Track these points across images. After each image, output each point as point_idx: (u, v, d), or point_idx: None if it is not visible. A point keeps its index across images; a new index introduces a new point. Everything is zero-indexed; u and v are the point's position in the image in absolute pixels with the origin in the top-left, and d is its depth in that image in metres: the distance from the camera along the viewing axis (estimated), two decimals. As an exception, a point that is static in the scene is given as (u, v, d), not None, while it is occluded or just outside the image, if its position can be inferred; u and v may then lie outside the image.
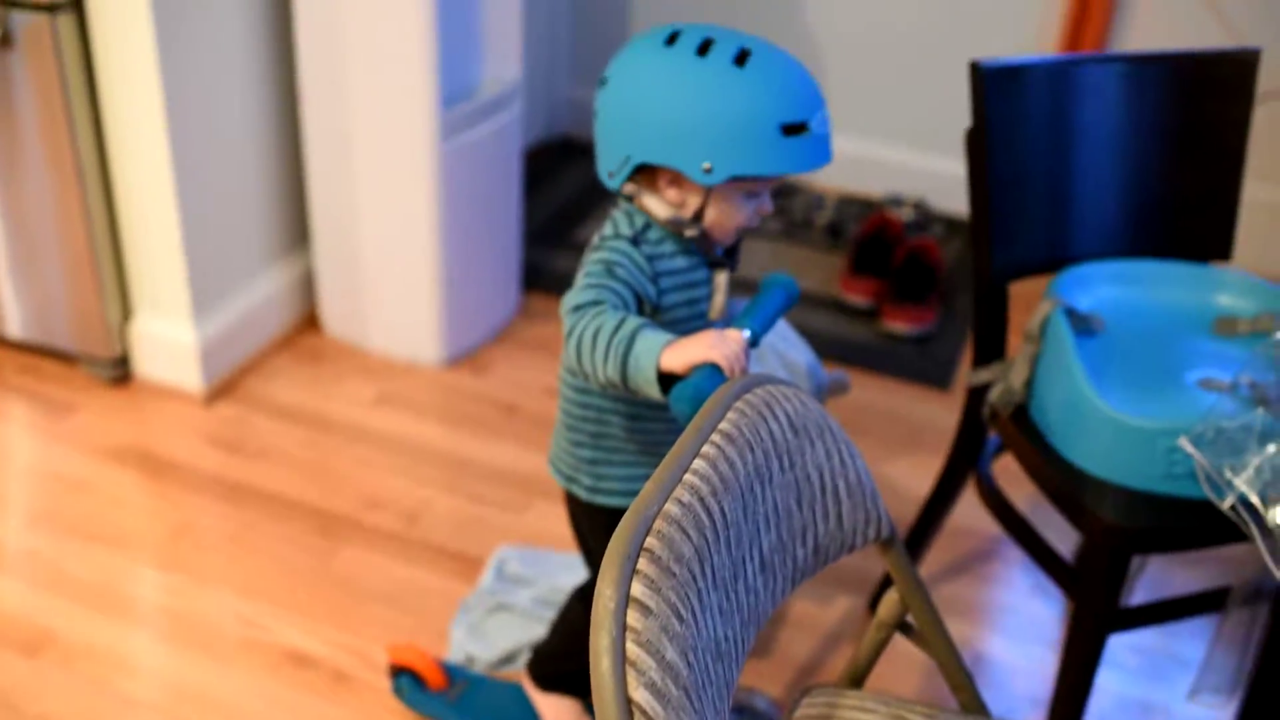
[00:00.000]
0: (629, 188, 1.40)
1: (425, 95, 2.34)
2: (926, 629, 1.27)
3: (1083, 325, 1.65)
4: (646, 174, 1.38)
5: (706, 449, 1.01)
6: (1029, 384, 1.67)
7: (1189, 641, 2.01)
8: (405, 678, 1.83)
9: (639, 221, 1.40)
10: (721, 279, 1.44)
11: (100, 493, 2.24)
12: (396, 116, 2.38)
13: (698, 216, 1.38)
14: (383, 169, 2.46)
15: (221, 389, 2.51)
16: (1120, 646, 1.99)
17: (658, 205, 1.39)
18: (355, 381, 2.57)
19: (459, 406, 2.52)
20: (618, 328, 1.26)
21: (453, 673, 1.85)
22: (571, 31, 3.59)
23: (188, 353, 2.44)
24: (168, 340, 2.45)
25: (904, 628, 1.30)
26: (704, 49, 1.30)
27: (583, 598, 1.71)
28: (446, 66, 2.38)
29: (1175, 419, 1.47)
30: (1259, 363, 1.58)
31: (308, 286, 2.72)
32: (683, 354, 1.22)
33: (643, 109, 1.33)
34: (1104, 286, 1.74)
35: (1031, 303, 1.71)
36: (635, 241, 1.39)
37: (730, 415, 1.06)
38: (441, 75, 2.35)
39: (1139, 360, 1.63)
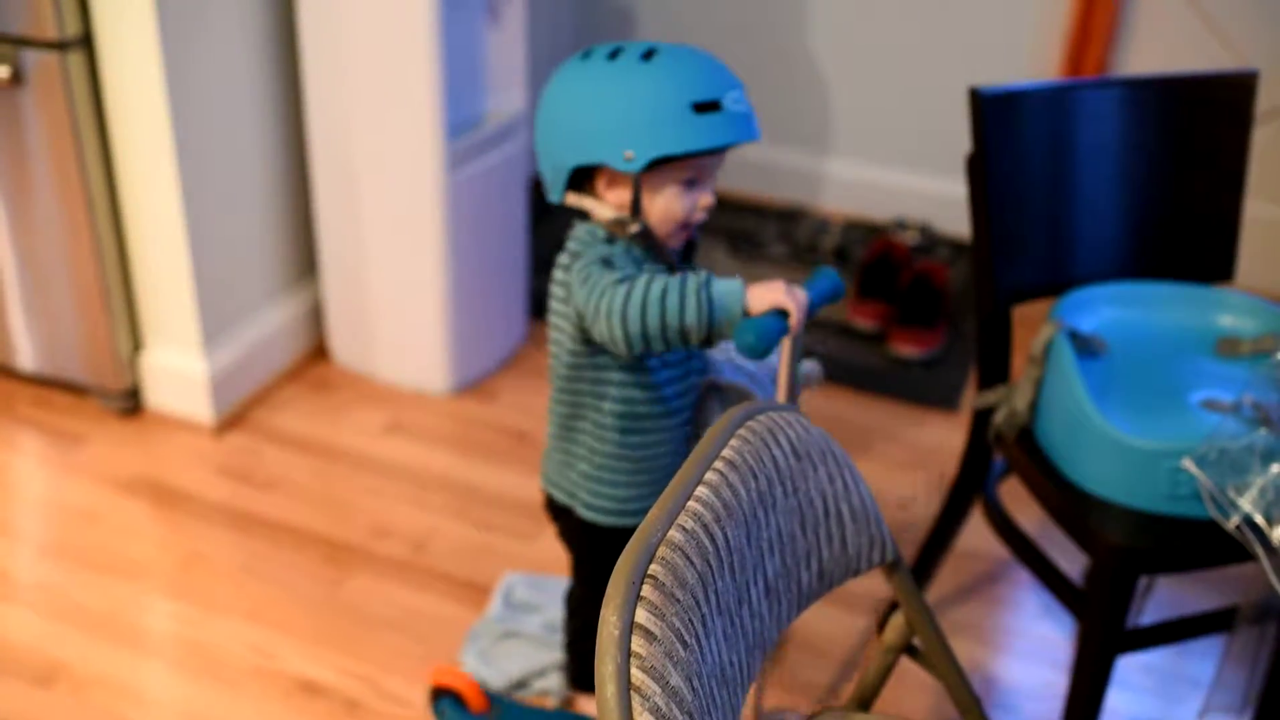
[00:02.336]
0: (571, 198, 1.47)
1: (431, 126, 2.36)
2: (932, 651, 1.28)
3: (1086, 347, 1.65)
4: (585, 183, 1.46)
5: (709, 476, 1.01)
6: (1033, 406, 1.68)
7: (1200, 661, 2.01)
8: (447, 700, 1.83)
9: (600, 234, 1.46)
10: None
11: (111, 523, 2.25)
12: (403, 148, 2.41)
13: (636, 213, 1.43)
14: (390, 200, 2.48)
15: (231, 419, 2.52)
16: (1131, 667, 1.99)
17: (600, 208, 1.45)
18: (364, 411, 2.58)
19: (467, 435, 2.53)
20: (683, 283, 1.34)
21: (493, 697, 1.85)
22: (576, 60, 3.61)
23: (198, 384, 2.46)
24: (178, 372, 2.47)
25: (910, 650, 1.30)
26: (614, 55, 1.40)
27: (568, 601, 1.78)
28: (452, 97, 2.40)
29: (1179, 440, 1.48)
30: (1261, 383, 1.58)
31: (316, 317, 2.74)
32: (761, 297, 1.33)
33: (564, 116, 1.41)
34: (1106, 308, 1.75)
35: (1035, 325, 1.72)
36: (591, 241, 1.46)
37: (733, 442, 1.07)
38: (447, 106, 2.38)
39: (1142, 381, 1.64)
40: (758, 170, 3.46)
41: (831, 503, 1.17)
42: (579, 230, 1.49)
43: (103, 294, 2.38)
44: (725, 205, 3.49)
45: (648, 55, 1.39)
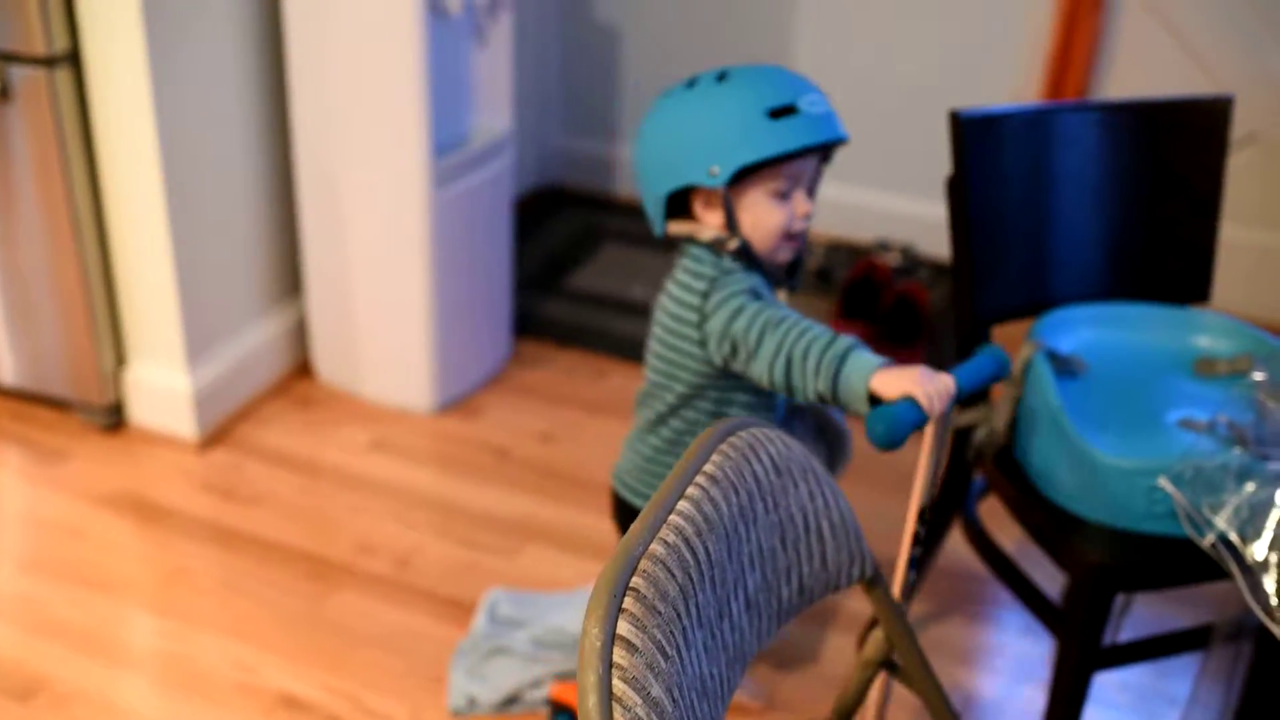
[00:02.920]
0: (674, 227, 1.50)
1: (417, 144, 2.37)
2: (911, 667, 1.29)
3: (1064, 367, 1.67)
4: (685, 210, 1.49)
5: (691, 490, 1.03)
6: (1012, 426, 1.69)
7: (1176, 679, 2.03)
8: (565, 716, 1.83)
9: (708, 256, 1.49)
10: (782, 297, 1.53)
11: (94, 539, 2.25)
12: (389, 166, 2.42)
13: (733, 228, 1.45)
14: (375, 218, 2.49)
15: (215, 435, 2.52)
16: (1108, 684, 2.01)
17: (701, 230, 1.48)
18: (348, 428, 2.59)
19: (451, 452, 2.54)
20: (829, 345, 1.35)
21: None
22: (561, 82, 3.64)
23: (181, 400, 2.46)
24: (162, 387, 2.47)
25: (890, 666, 1.32)
26: (692, 84, 1.44)
27: None
28: (438, 116, 2.42)
29: (1155, 459, 1.50)
30: (1237, 403, 1.60)
31: (301, 334, 2.75)
32: (891, 382, 1.30)
33: (652, 147, 1.46)
34: (1085, 329, 1.77)
35: (1014, 345, 1.73)
36: (726, 270, 1.47)
37: (714, 458, 1.08)
38: (433, 125, 2.39)
39: (1120, 401, 1.65)
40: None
41: (812, 518, 1.18)
42: (690, 264, 1.51)
43: (87, 309, 2.39)
44: (709, 225, 3.51)
45: (722, 77, 1.42)
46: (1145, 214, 1.82)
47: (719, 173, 1.41)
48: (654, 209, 1.50)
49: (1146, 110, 1.80)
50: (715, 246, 1.48)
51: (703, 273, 1.49)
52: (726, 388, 1.54)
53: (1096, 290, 1.82)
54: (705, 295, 1.47)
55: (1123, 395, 1.66)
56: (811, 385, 1.36)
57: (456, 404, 2.68)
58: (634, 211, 3.60)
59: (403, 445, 2.55)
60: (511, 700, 1.92)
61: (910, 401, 1.27)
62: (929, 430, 1.32)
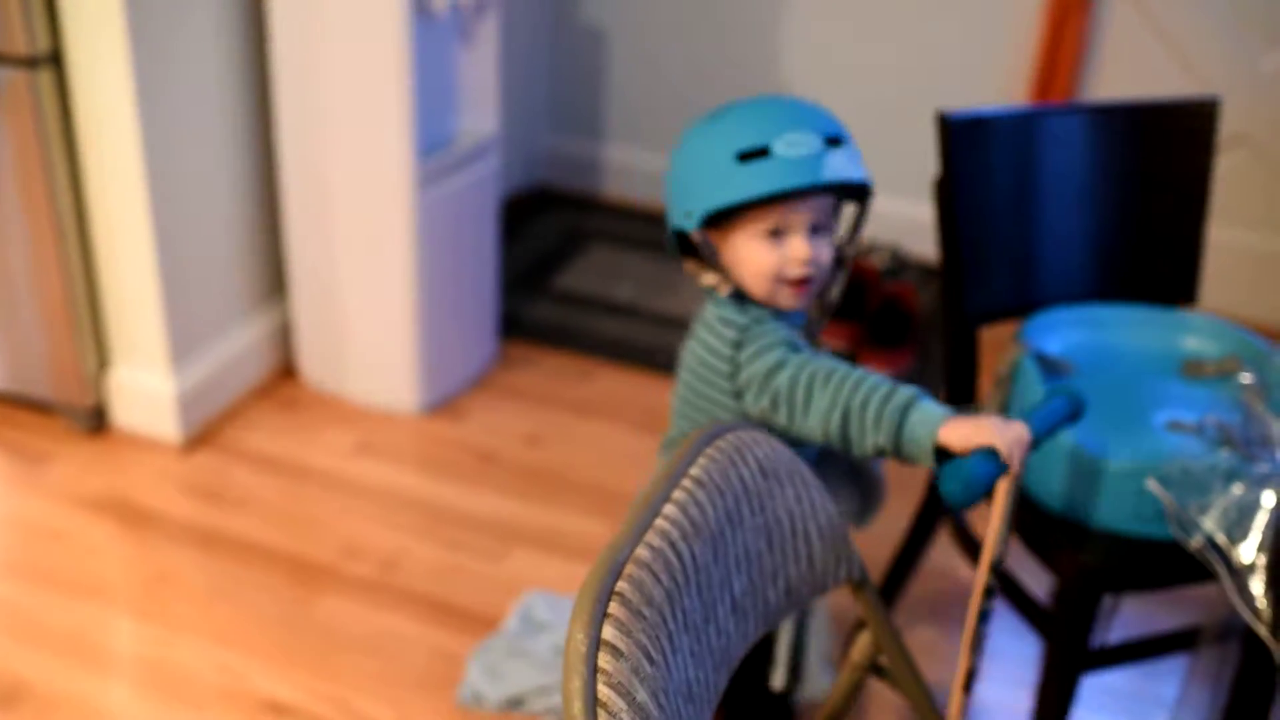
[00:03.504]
0: (687, 265, 1.44)
1: (403, 146, 2.36)
2: (899, 670, 1.29)
3: (1052, 369, 1.67)
4: (692, 251, 1.44)
5: (677, 494, 1.02)
6: (1000, 427, 1.69)
7: (1164, 681, 2.03)
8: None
9: (732, 304, 1.41)
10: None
11: (77, 542, 2.23)
12: (374, 167, 2.41)
13: (715, 269, 1.40)
14: (360, 219, 2.48)
15: (199, 438, 2.51)
16: (1096, 687, 2.00)
17: (702, 273, 1.43)
18: (333, 430, 2.58)
19: (437, 454, 2.53)
20: (890, 395, 1.27)
21: None
22: (548, 83, 3.63)
23: (165, 402, 2.44)
24: (145, 390, 2.46)
25: (877, 669, 1.31)
26: (707, 118, 1.39)
27: None
28: (424, 117, 2.41)
29: (1143, 460, 1.49)
30: (1224, 404, 1.60)
31: (285, 336, 2.73)
32: (964, 433, 1.22)
33: (665, 185, 1.42)
34: (1072, 330, 1.77)
35: (1001, 347, 1.73)
36: (756, 320, 1.40)
37: (701, 460, 1.07)
38: (419, 126, 2.38)
39: (1107, 403, 1.65)
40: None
41: (799, 521, 1.17)
42: (715, 299, 1.44)
43: (69, 311, 2.37)
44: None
45: (719, 114, 1.37)
46: (1133, 215, 1.82)
47: (691, 215, 1.35)
48: (671, 248, 1.45)
49: (1134, 112, 1.80)
50: (718, 289, 1.42)
51: (732, 320, 1.40)
52: None
53: (1084, 291, 1.82)
54: (737, 345, 1.39)
55: (1110, 397, 1.66)
56: (870, 439, 1.28)
57: (442, 406, 2.67)
58: (620, 213, 3.59)
59: (388, 448, 2.53)
60: (517, 703, 1.91)
61: (983, 454, 1.19)
62: (1001, 485, 1.23)
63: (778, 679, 1.64)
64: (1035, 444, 1.24)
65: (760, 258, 1.37)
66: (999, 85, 3.17)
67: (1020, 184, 1.75)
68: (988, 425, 1.21)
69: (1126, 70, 3.07)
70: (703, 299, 1.47)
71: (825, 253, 1.39)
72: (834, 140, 1.35)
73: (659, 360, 2.85)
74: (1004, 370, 1.66)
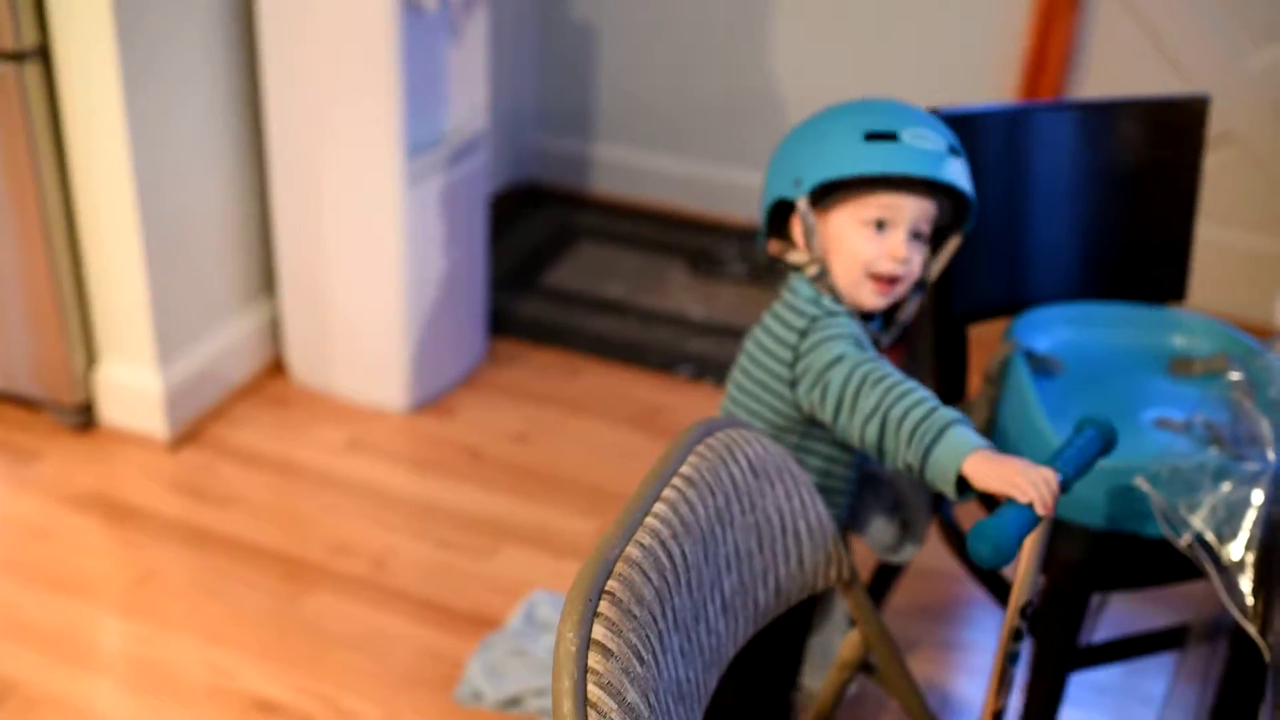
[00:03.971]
0: (773, 246, 1.45)
1: (392, 142, 2.36)
2: (889, 669, 1.29)
3: (1041, 367, 1.67)
4: (785, 229, 1.44)
5: (667, 493, 1.02)
6: (989, 426, 1.69)
7: (1152, 678, 2.03)
8: None
9: (810, 292, 1.41)
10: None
11: (64, 540, 2.23)
12: (363, 163, 2.40)
13: (812, 249, 1.39)
14: (349, 216, 2.47)
15: (187, 435, 2.50)
16: (1085, 684, 2.01)
17: (792, 252, 1.43)
18: (322, 427, 2.57)
19: (426, 452, 2.52)
20: (929, 415, 1.24)
21: None
22: (537, 79, 3.62)
23: (153, 399, 2.44)
24: (133, 387, 2.45)
25: (866, 668, 1.31)
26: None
27: None
28: (413, 114, 2.40)
29: (1132, 459, 1.49)
30: (1213, 403, 1.60)
31: (274, 333, 2.72)
32: (987, 471, 1.16)
33: (771, 162, 1.43)
34: (1061, 328, 1.77)
35: (991, 345, 1.73)
36: (829, 311, 1.39)
37: (691, 459, 1.07)
38: (408, 123, 2.38)
39: (1096, 401, 1.65)
40: (718, 189, 3.48)
41: (789, 520, 1.17)
42: (792, 286, 1.43)
43: (57, 308, 2.36)
44: (685, 224, 3.50)
45: (840, 104, 1.39)
46: (1122, 213, 1.82)
47: (802, 183, 1.35)
48: (761, 224, 1.46)
49: (1123, 110, 1.80)
50: (815, 281, 1.41)
51: (803, 310, 1.40)
52: (808, 435, 1.44)
53: (1073, 290, 1.82)
54: (804, 334, 1.38)
55: (1099, 395, 1.66)
56: (902, 454, 1.25)
57: (431, 403, 2.67)
58: (609, 210, 3.59)
59: (377, 445, 2.53)
60: (514, 702, 1.90)
61: (1019, 510, 1.10)
62: (1029, 540, 1.16)
63: (810, 678, 1.63)
64: (1066, 487, 1.16)
65: (858, 244, 1.37)
66: (988, 83, 3.17)
67: (1009, 182, 1.75)
68: (1013, 468, 1.14)
69: (1115, 68, 3.08)
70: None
71: (917, 260, 1.40)
72: (954, 150, 1.38)
73: (648, 357, 2.85)
74: (993, 368, 1.67)
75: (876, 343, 1.46)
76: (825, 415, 1.35)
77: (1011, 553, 1.07)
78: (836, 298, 1.41)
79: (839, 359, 1.33)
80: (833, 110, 1.40)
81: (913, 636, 2.10)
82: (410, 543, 2.26)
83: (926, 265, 1.46)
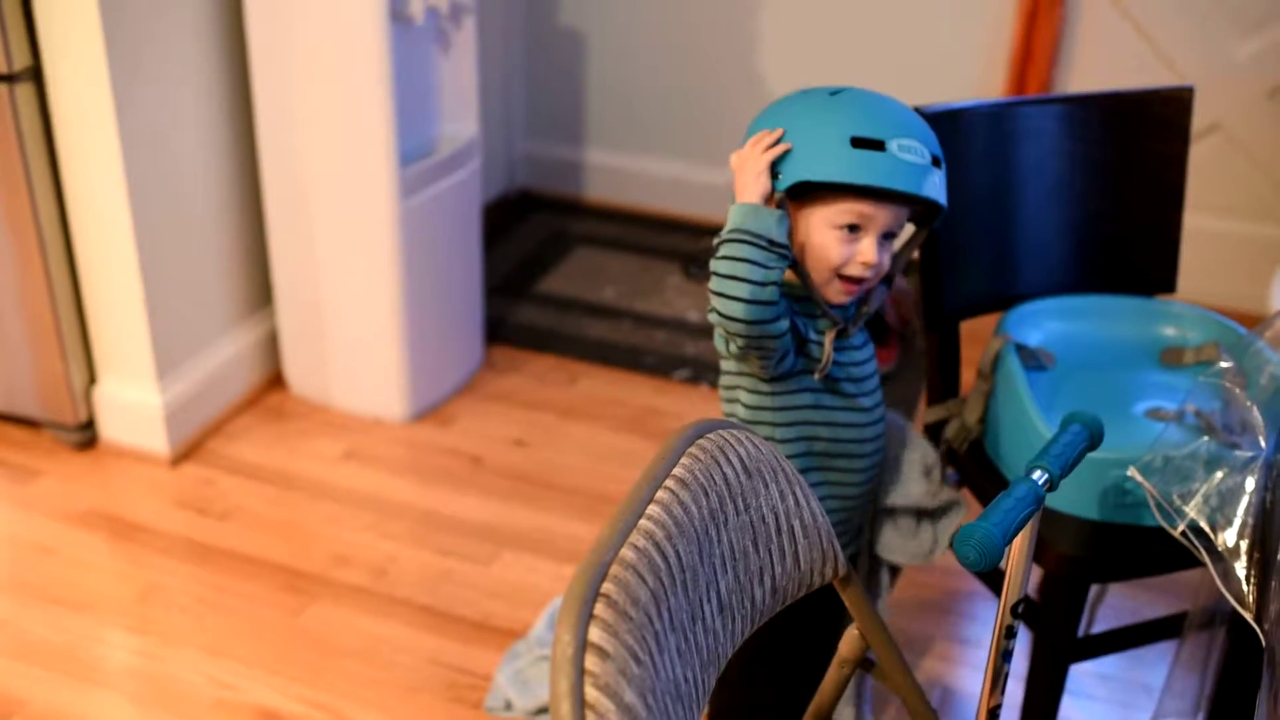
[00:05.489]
0: None
1: (384, 154, 2.37)
2: (888, 664, 1.29)
3: (1033, 360, 1.68)
4: None
5: (660, 494, 1.03)
6: (983, 420, 1.70)
7: (1152, 667, 2.04)
8: None
9: None
10: (829, 336, 1.45)
11: (67, 557, 2.23)
12: (355, 175, 2.41)
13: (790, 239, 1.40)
14: (343, 228, 2.48)
15: (187, 450, 2.51)
16: (1085, 675, 2.02)
17: None
18: (321, 439, 2.58)
19: (425, 460, 2.53)
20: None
21: None
22: (527, 87, 3.63)
23: (153, 416, 2.44)
24: (132, 404, 2.46)
25: (865, 664, 1.32)
26: (815, 91, 1.42)
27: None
28: (404, 124, 2.41)
29: (1125, 449, 1.50)
30: (1204, 392, 1.61)
31: (271, 346, 2.73)
32: (738, 192, 1.35)
33: None
34: (1052, 322, 1.78)
35: (983, 339, 1.74)
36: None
37: (684, 460, 1.08)
38: (399, 133, 2.38)
39: (1089, 393, 1.66)
40: (709, 191, 3.49)
41: (783, 519, 1.18)
42: None
43: (56, 327, 2.37)
44: (678, 227, 3.51)
45: (836, 93, 1.40)
46: (1110, 206, 1.83)
47: (781, 177, 1.37)
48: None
49: (1108, 102, 1.81)
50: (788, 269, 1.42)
51: None
52: (777, 380, 1.46)
53: (1063, 283, 1.83)
54: None
55: (1091, 387, 1.67)
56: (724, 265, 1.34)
57: (429, 412, 2.67)
58: (602, 215, 3.60)
59: (376, 455, 2.54)
60: (544, 710, 1.90)
61: (997, 512, 1.10)
62: (1018, 541, 1.18)
63: (846, 716, 1.66)
64: (1054, 484, 1.17)
65: (830, 247, 1.39)
66: (974, 78, 3.18)
67: (997, 177, 1.75)
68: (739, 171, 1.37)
69: (1101, 61, 3.09)
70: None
71: (886, 258, 1.42)
72: (936, 160, 1.39)
73: (644, 361, 2.86)
74: (986, 363, 1.67)
75: (844, 331, 1.48)
76: (733, 344, 1.39)
77: (997, 555, 1.08)
78: (806, 284, 1.43)
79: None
80: (822, 100, 1.39)
81: (913, 632, 2.11)
82: (411, 551, 2.27)
83: (894, 258, 1.49)
